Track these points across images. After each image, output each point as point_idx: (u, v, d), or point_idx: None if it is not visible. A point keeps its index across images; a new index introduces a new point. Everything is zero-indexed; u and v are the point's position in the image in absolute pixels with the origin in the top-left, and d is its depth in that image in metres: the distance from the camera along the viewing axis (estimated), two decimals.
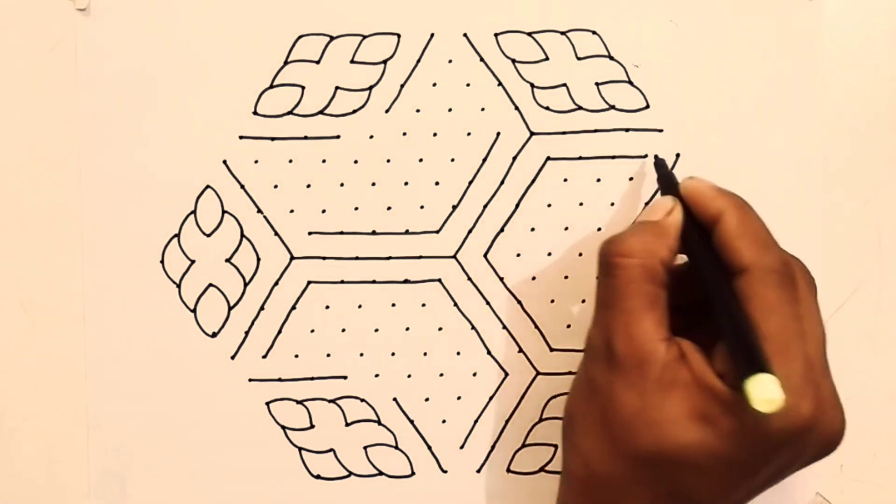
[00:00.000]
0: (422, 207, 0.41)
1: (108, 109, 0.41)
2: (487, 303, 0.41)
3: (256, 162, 0.41)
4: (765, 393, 0.30)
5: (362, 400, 0.41)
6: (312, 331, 0.41)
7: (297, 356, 0.41)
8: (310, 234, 0.41)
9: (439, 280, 0.41)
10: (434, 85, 0.41)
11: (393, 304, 0.41)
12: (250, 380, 0.41)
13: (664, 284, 0.35)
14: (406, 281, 0.41)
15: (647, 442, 0.33)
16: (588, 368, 0.35)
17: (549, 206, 0.41)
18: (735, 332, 0.33)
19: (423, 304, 0.41)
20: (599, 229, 0.41)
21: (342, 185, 0.41)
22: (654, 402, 0.33)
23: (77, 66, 0.41)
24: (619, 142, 0.41)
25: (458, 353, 0.41)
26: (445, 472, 0.42)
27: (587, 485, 0.35)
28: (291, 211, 0.41)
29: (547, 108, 0.41)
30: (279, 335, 0.41)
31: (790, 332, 0.33)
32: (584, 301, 0.41)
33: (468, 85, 0.41)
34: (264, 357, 0.41)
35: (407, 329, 0.41)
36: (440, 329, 0.41)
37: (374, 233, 0.41)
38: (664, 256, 0.35)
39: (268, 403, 0.41)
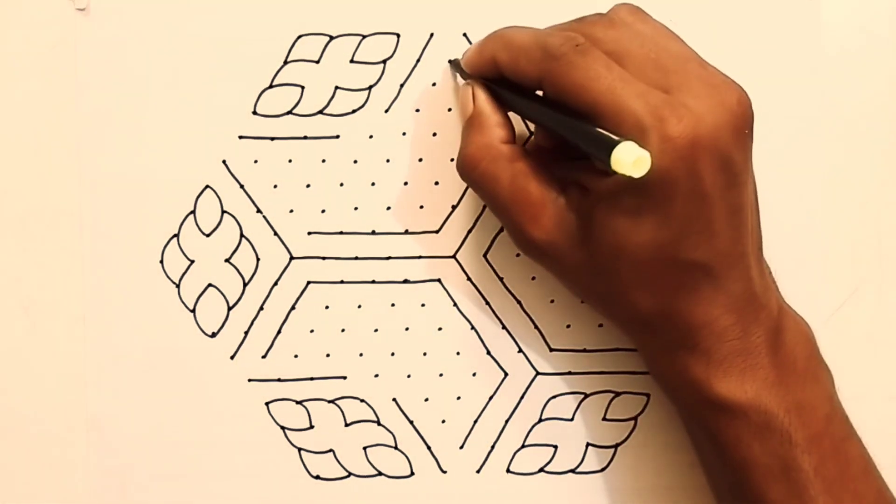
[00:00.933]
0: (421, 207, 0.41)
1: (108, 109, 0.41)
2: (487, 303, 0.41)
3: (256, 162, 0.41)
4: (630, 156, 0.30)
5: (362, 400, 0.41)
6: (312, 331, 0.41)
7: (296, 356, 0.41)
8: (309, 234, 0.41)
9: (439, 280, 0.41)
10: (434, 85, 0.41)
11: (392, 305, 0.41)
12: (250, 380, 0.41)
13: (521, 154, 0.36)
14: (406, 281, 0.41)
15: (619, 268, 0.34)
16: (548, 269, 0.37)
17: None
18: (570, 130, 0.33)
19: (423, 305, 0.41)
20: None
21: (342, 185, 0.41)
22: (595, 240, 0.34)
23: (76, 66, 0.41)
24: None
25: (458, 354, 0.41)
26: (445, 472, 0.42)
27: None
28: (291, 211, 0.41)
29: None
30: (279, 335, 0.41)
31: (606, 89, 0.32)
32: (584, 301, 0.41)
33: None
34: (264, 357, 0.41)
35: (406, 329, 0.41)
36: (440, 329, 0.41)
37: (373, 233, 0.41)
38: (501, 135, 0.36)
39: (267, 404, 0.41)
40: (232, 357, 0.41)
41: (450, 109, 0.41)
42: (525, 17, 0.41)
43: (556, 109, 0.34)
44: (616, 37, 0.34)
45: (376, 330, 0.41)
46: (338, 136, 0.41)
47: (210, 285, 0.41)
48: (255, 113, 0.41)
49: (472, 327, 0.41)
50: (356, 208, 0.41)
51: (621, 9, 0.36)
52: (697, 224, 0.33)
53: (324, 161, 0.41)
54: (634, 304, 0.35)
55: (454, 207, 0.41)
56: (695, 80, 0.33)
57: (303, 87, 0.41)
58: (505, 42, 0.36)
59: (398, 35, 0.41)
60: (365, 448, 0.42)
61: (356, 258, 0.41)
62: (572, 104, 0.33)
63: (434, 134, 0.41)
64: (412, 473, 0.42)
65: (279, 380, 0.41)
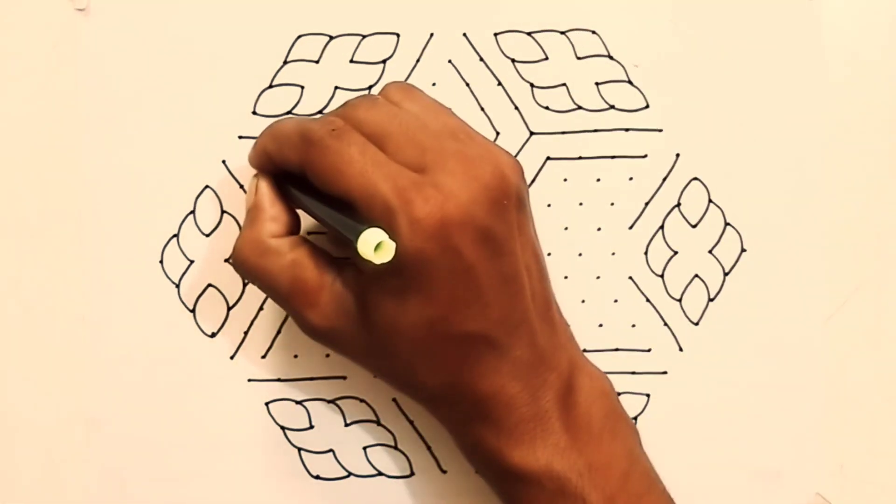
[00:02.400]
0: None
1: (108, 109, 0.41)
2: None
3: None
4: (372, 241, 0.31)
5: (361, 400, 0.41)
6: None
7: (296, 356, 0.41)
8: (309, 234, 0.41)
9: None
10: (434, 85, 0.41)
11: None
12: (249, 380, 0.41)
13: (296, 244, 0.36)
14: None
15: (399, 348, 0.34)
16: (336, 352, 0.37)
17: (549, 205, 0.41)
18: (328, 218, 0.34)
19: None
20: (599, 229, 0.41)
21: None
22: (377, 321, 0.34)
23: (76, 66, 0.41)
24: (618, 141, 0.41)
25: None
26: (445, 472, 0.42)
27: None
28: None
29: (547, 108, 0.41)
30: (278, 335, 0.41)
31: (358, 174, 0.32)
32: (583, 301, 0.41)
33: (468, 85, 0.41)
34: (263, 357, 0.41)
35: None
36: None
37: None
38: (271, 230, 0.36)
39: (267, 404, 0.41)
40: (232, 357, 0.41)
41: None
42: (525, 17, 0.41)
43: (321, 199, 0.34)
44: (377, 118, 0.34)
45: None
46: None
47: (210, 285, 0.41)
48: (255, 113, 0.41)
49: None
50: None
51: (390, 88, 0.36)
52: (465, 297, 0.33)
53: None
54: (421, 380, 0.35)
55: None
56: (450, 157, 0.33)
57: (303, 87, 0.41)
58: (272, 132, 0.36)
59: (398, 35, 0.41)
60: (365, 448, 0.42)
61: None
62: (329, 189, 0.33)
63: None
64: (412, 473, 0.42)
65: (279, 380, 0.41)
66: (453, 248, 0.32)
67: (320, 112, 0.41)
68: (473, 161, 0.33)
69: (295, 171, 0.35)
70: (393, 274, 0.32)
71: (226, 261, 0.41)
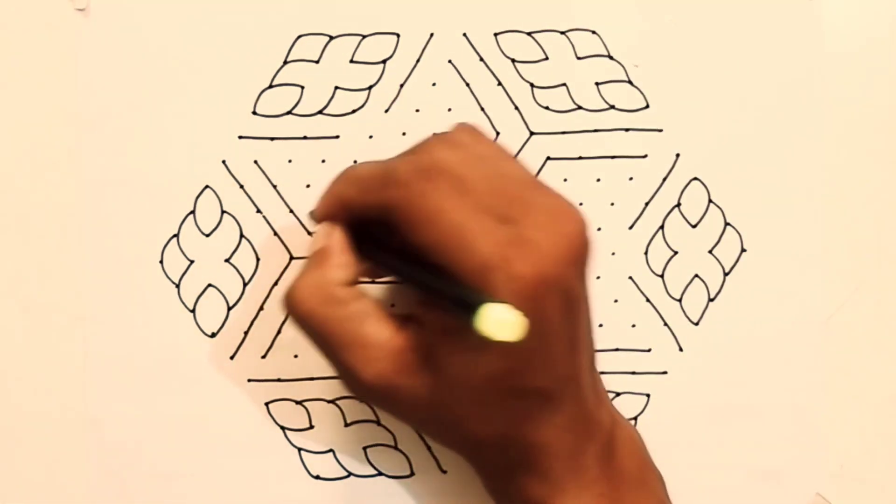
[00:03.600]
0: None
1: (108, 109, 0.41)
2: None
3: (256, 162, 0.41)
4: (497, 320, 0.30)
5: (362, 400, 0.41)
6: None
7: (296, 356, 0.41)
8: (309, 234, 0.41)
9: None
10: (434, 85, 0.41)
11: (392, 305, 0.41)
12: (249, 380, 0.41)
13: (360, 295, 0.34)
14: None
15: (451, 404, 0.34)
16: (380, 409, 0.37)
17: None
18: (432, 287, 0.32)
19: None
20: (599, 229, 0.41)
21: None
22: (427, 392, 0.33)
23: (76, 66, 0.41)
24: (618, 141, 0.41)
25: None
26: (445, 472, 0.42)
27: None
28: (291, 211, 0.41)
29: (547, 108, 0.41)
30: (278, 335, 0.41)
31: (453, 224, 0.31)
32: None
33: (468, 85, 0.41)
34: (263, 357, 0.41)
35: None
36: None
37: None
38: (339, 277, 0.34)
39: (267, 404, 0.41)
40: (232, 357, 0.41)
41: (450, 109, 0.41)
42: (525, 17, 0.41)
43: (410, 258, 0.33)
44: (458, 160, 0.33)
45: None
46: (338, 136, 0.41)
47: (210, 285, 0.41)
48: (255, 113, 0.41)
49: None
50: None
51: (460, 130, 0.35)
52: (539, 355, 0.33)
53: (324, 161, 0.41)
54: (473, 431, 0.34)
55: None
56: (537, 209, 0.33)
57: (303, 87, 0.41)
58: (349, 177, 0.35)
59: (398, 35, 0.41)
60: (365, 448, 0.42)
61: None
62: (418, 238, 0.32)
63: (434, 134, 0.41)
64: (412, 473, 0.42)
65: (279, 380, 0.41)
66: (541, 309, 0.32)
67: (320, 112, 0.41)
68: (558, 215, 0.33)
69: (375, 214, 0.34)
70: (474, 330, 0.31)
71: (227, 259, 0.41)
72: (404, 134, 0.41)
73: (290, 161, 0.41)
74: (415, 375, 0.34)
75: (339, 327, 0.34)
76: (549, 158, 0.41)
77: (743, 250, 0.41)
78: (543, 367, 0.33)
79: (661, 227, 0.41)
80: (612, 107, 0.41)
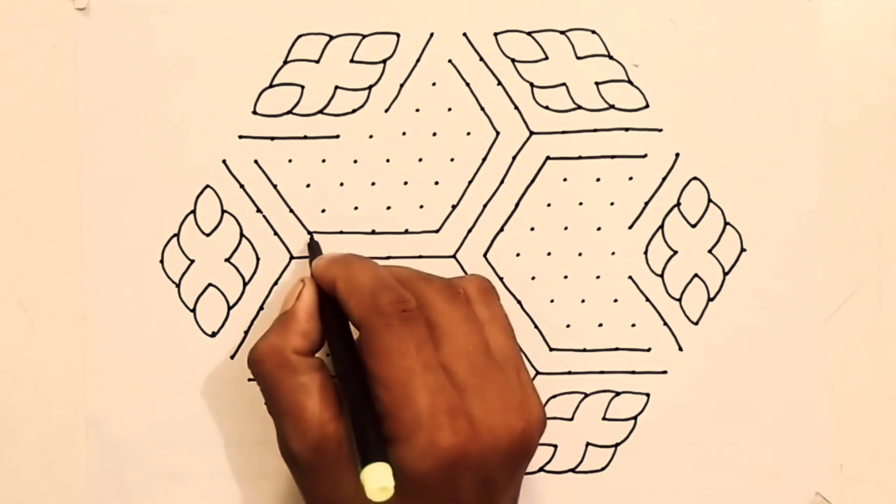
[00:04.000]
0: (421, 207, 0.41)
1: (108, 109, 0.41)
2: None
3: (256, 162, 0.41)
4: (378, 482, 0.31)
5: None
6: None
7: None
8: (309, 234, 0.41)
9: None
10: (434, 84, 0.41)
11: None
12: (250, 380, 0.41)
13: (313, 367, 0.36)
14: None
15: None
16: (294, 479, 0.37)
17: (549, 205, 0.41)
18: (352, 417, 0.33)
19: None
20: (599, 229, 0.41)
21: (342, 184, 0.41)
22: (335, 484, 0.34)
23: (76, 66, 0.41)
24: (618, 141, 0.41)
25: None
26: None
27: None
28: (291, 211, 0.41)
29: (546, 108, 0.41)
30: None
31: (405, 371, 0.33)
32: (583, 301, 0.41)
33: (468, 85, 0.41)
34: None
35: None
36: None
37: (373, 232, 0.41)
38: (296, 345, 0.36)
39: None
40: (232, 357, 0.41)
41: (450, 109, 0.41)
42: (525, 17, 0.41)
43: (355, 368, 0.34)
44: (449, 313, 0.35)
45: None
46: (338, 136, 0.41)
47: (210, 285, 0.41)
48: (255, 113, 0.41)
49: None
50: (356, 208, 0.41)
51: (472, 283, 0.37)
52: None
53: (324, 161, 0.41)
54: None
55: (454, 207, 0.41)
56: (495, 391, 0.34)
57: (303, 87, 0.41)
58: (348, 273, 0.36)
59: (398, 35, 0.41)
60: None
61: None
62: (370, 366, 0.33)
63: (434, 134, 0.41)
64: None
65: None
66: (453, 483, 0.32)
67: (320, 112, 0.41)
68: (512, 407, 0.34)
69: (351, 320, 0.35)
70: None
71: (227, 259, 0.41)
72: (404, 134, 0.41)
73: (290, 161, 0.41)
74: (329, 470, 0.34)
75: (286, 394, 0.35)
76: (548, 158, 0.41)
77: (743, 250, 0.41)
78: None
79: (661, 226, 0.41)
80: (612, 106, 0.41)
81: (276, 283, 0.41)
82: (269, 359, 0.36)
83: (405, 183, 0.41)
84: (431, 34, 0.41)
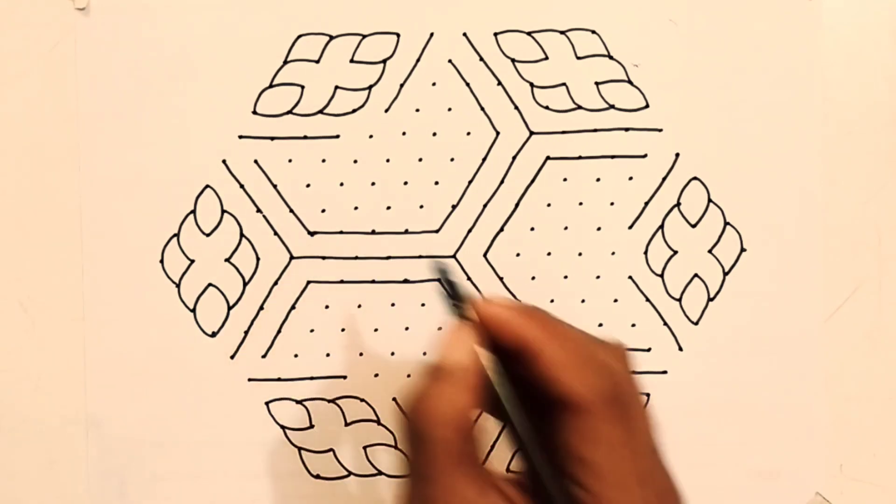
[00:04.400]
0: (421, 207, 0.41)
1: (108, 109, 0.41)
2: None
3: (256, 162, 0.41)
4: None
5: (362, 400, 0.41)
6: (312, 330, 0.41)
7: (296, 356, 0.41)
8: (310, 233, 0.41)
9: (439, 280, 0.41)
10: (433, 84, 0.41)
11: (392, 304, 0.41)
12: (250, 379, 0.41)
13: (474, 436, 0.30)
14: (406, 281, 0.41)
15: None
16: None
17: (549, 205, 0.41)
18: (550, 487, 0.29)
19: (423, 304, 0.41)
20: (599, 229, 0.41)
21: (342, 184, 0.41)
22: None
23: (76, 65, 0.41)
24: (618, 141, 0.41)
25: None
26: None
27: None
28: (291, 211, 0.41)
29: (547, 108, 0.41)
30: (279, 335, 0.41)
31: (625, 469, 0.29)
32: (583, 301, 0.41)
33: (468, 85, 0.41)
34: (264, 357, 0.41)
35: (406, 329, 0.41)
36: (440, 329, 0.41)
37: (373, 232, 0.41)
38: (470, 402, 0.29)
39: (267, 403, 0.41)
40: (232, 357, 0.41)
41: (450, 109, 0.41)
42: (525, 17, 0.41)
43: (539, 446, 0.30)
44: (638, 422, 0.30)
45: (376, 329, 0.41)
46: (338, 136, 0.41)
47: (210, 285, 0.41)
48: (255, 112, 0.41)
49: None
50: (356, 208, 0.41)
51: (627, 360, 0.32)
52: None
53: (324, 161, 0.41)
54: None
55: (454, 207, 0.41)
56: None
57: (303, 87, 0.41)
58: (557, 333, 0.30)
59: (398, 35, 0.41)
60: (365, 447, 0.42)
61: (356, 258, 0.41)
62: (585, 452, 0.29)
63: (434, 134, 0.41)
64: None
65: (279, 379, 0.41)
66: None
67: (321, 112, 0.41)
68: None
69: (546, 394, 0.29)
70: None
71: (227, 259, 0.41)
72: (404, 133, 0.41)
73: (290, 161, 0.41)
74: None
75: (450, 472, 0.29)
76: (548, 158, 0.41)
77: (743, 250, 0.41)
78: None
79: (661, 226, 0.41)
80: (612, 106, 0.41)
81: (275, 282, 0.41)
82: (449, 421, 0.29)
83: (405, 183, 0.41)
84: (431, 34, 0.41)
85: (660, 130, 0.41)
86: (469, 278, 0.41)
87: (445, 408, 0.29)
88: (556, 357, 0.29)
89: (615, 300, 0.42)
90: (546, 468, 0.29)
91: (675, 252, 0.41)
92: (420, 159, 0.41)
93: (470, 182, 0.41)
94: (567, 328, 0.31)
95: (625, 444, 0.29)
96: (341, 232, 0.41)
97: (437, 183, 0.41)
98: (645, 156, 0.41)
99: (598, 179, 0.41)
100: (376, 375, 0.41)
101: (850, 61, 0.41)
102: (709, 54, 0.41)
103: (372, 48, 0.41)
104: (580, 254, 0.41)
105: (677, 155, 0.41)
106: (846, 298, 0.42)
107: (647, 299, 0.41)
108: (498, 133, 0.41)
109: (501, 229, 0.41)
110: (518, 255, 0.41)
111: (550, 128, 0.41)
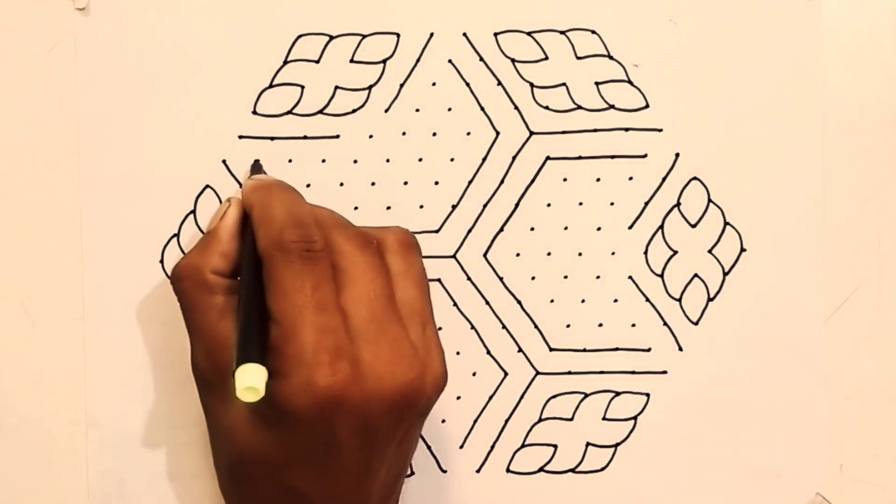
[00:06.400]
0: (421, 207, 0.41)
1: (108, 109, 0.41)
2: (487, 302, 0.41)
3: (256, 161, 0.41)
4: (246, 381, 0.31)
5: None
6: None
7: None
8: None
9: (439, 280, 0.41)
10: (433, 84, 0.41)
11: None
12: None
13: (230, 289, 0.36)
14: None
15: (228, 452, 0.35)
16: (200, 398, 0.37)
17: (549, 205, 0.41)
18: (240, 324, 0.33)
19: None
20: (599, 229, 0.41)
21: (342, 184, 0.41)
22: (231, 411, 0.34)
23: (76, 65, 0.41)
24: (618, 141, 0.41)
25: (458, 353, 0.41)
26: (445, 471, 0.42)
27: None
28: None
29: (546, 108, 0.41)
30: None
31: (296, 307, 0.32)
32: (583, 301, 0.41)
33: (468, 85, 0.41)
34: None
35: None
36: (440, 329, 0.41)
37: None
38: (215, 265, 0.36)
39: None
40: None
41: (450, 109, 0.41)
42: (525, 17, 0.41)
43: (257, 292, 0.34)
44: (356, 259, 0.34)
45: None
46: (338, 136, 0.41)
47: None
48: (255, 113, 0.41)
49: (472, 327, 0.41)
50: (356, 208, 0.41)
51: (392, 234, 0.36)
52: (313, 462, 0.33)
53: (324, 161, 0.41)
54: (225, 486, 0.36)
55: (454, 207, 0.41)
56: (387, 341, 0.33)
57: (303, 87, 0.41)
58: (266, 201, 0.36)
59: (398, 35, 0.41)
60: None
61: None
62: (268, 299, 0.33)
63: (434, 134, 0.41)
64: (412, 473, 0.42)
65: None
66: (331, 425, 0.32)
67: (320, 112, 0.41)
68: (404, 359, 0.33)
69: (258, 249, 0.35)
70: (269, 404, 0.32)
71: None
72: (404, 134, 0.41)
73: (290, 161, 0.41)
74: (228, 387, 0.33)
75: (201, 313, 0.35)
76: (548, 158, 0.41)
77: (742, 250, 0.41)
78: (315, 476, 0.34)
79: (661, 226, 0.41)
80: (612, 106, 0.41)
81: None
82: (187, 277, 0.36)
83: (405, 183, 0.41)
84: (431, 34, 0.41)
85: (660, 130, 0.41)
86: (469, 278, 0.41)
87: (184, 265, 0.36)
88: (256, 216, 0.36)
89: (615, 300, 0.42)
90: (246, 306, 0.34)
91: (675, 252, 0.41)
92: (420, 159, 0.41)
93: (470, 182, 0.41)
94: (280, 196, 0.36)
95: (299, 281, 0.33)
96: None
97: (437, 183, 0.41)
98: (645, 156, 0.41)
99: (598, 179, 0.41)
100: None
101: (850, 61, 0.41)
102: (709, 54, 0.41)
103: (372, 48, 0.41)
104: (580, 254, 0.41)
105: (677, 155, 0.41)
106: (846, 299, 0.42)
107: (647, 299, 0.41)
108: (498, 133, 0.41)
109: (501, 229, 0.41)
110: (518, 255, 0.41)
111: (550, 128, 0.41)
